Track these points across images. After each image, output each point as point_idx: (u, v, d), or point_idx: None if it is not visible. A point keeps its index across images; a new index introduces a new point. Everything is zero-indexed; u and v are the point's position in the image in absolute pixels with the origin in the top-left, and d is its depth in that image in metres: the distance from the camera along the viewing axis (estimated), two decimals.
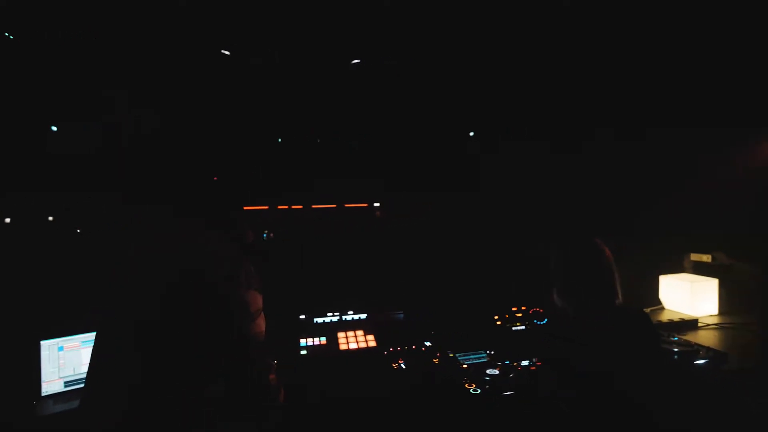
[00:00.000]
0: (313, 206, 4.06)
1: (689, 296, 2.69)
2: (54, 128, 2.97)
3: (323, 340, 1.87)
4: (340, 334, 1.90)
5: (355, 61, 3.47)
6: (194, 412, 1.18)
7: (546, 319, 2.39)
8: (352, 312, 2.05)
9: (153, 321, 1.20)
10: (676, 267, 3.02)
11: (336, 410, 1.68)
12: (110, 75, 2.51)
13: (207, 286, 1.22)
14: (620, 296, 1.58)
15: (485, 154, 3.58)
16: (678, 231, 2.58)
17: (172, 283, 1.23)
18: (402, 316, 2.48)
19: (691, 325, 2.49)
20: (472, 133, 4.10)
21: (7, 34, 2.03)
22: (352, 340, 1.88)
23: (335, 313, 2.03)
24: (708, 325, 2.50)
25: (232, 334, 1.23)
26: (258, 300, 1.31)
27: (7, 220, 2.92)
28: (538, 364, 1.86)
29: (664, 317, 2.61)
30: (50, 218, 3.19)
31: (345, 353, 1.81)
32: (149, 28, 2.21)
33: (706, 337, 2.32)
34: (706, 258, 2.76)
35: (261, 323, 1.30)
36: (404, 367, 1.92)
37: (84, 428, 1.22)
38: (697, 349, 2.06)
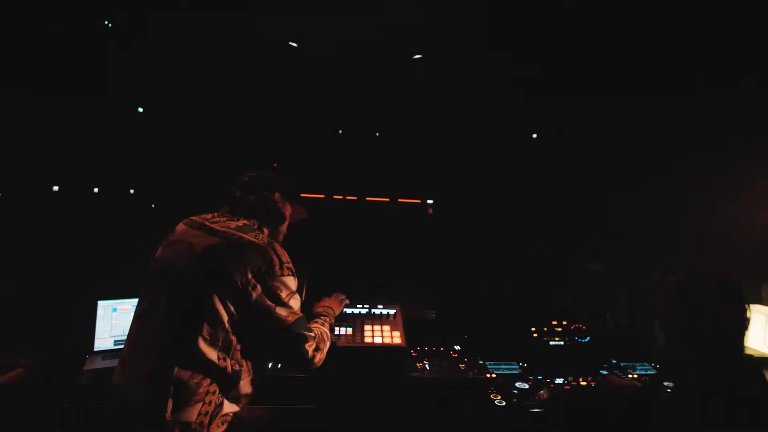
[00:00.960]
0: (367, 198, 4.11)
1: (764, 331, 2.37)
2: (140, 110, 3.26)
3: (349, 330, 1.88)
4: (367, 327, 1.90)
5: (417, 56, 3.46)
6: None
7: (588, 338, 2.22)
8: (381, 306, 2.03)
9: (186, 300, 1.26)
10: (752, 297, 2.68)
11: (342, 403, 1.68)
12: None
13: (239, 271, 1.26)
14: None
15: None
16: (756, 255, 2.28)
17: (201, 268, 1.28)
18: (434, 315, 2.44)
19: (765, 363, 2.20)
20: (535, 135, 3.93)
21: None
22: (377, 334, 1.86)
23: (365, 305, 2.03)
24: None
25: (263, 317, 1.28)
26: (291, 283, 1.35)
27: (96, 190, 3.26)
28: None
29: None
30: (131, 191, 3.52)
31: (369, 346, 1.80)
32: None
33: None
34: None
35: (294, 304, 1.34)
36: (428, 368, 1.88)
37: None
38: None
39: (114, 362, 1.83)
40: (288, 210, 1.57)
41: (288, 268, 1.35)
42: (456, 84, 3.38)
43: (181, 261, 1.31)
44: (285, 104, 3.41)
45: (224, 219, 1.42)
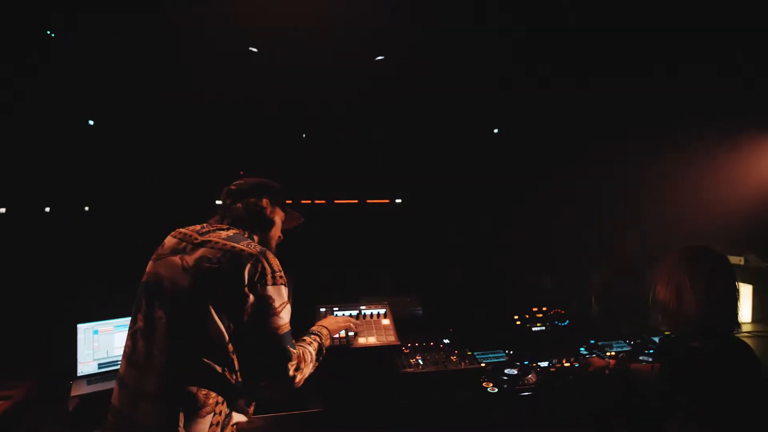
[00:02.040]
0: (336, 201, 4.12)
1: None
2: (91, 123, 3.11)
3: (342, 333, 1.90)
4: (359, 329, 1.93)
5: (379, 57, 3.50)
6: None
7: (567, 321, 2.35)
8: (371, 306, 2.07)
9: (176, 312, 1.25)
10: None
11: (347, 405, 1.72)
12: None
13: (232, 282, 1.25)
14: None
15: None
16: (709, 230, 2.49)
17: (195, 280, 1.27)
18: (420, 312, 2.50)
19: None
20: (496, 130, 4.07)
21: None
22: (371, 335, 1.90)
23: (355, 306, 2.07)
24: (740, 332, 2.40)
25: (255, 328, 1.27)
26: (283, 293, 1.34)
27: (47, 209, 3.07)
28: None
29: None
30: (86, 208, 3.35)
31: (362, 347, 1.84)
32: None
33: None
34: (738, 260, 2.65)
35: (285, 316, 1.33)
36: (421, 363, 1.94)
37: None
38: None
39: (102, 386, 1.79)
40: (278, 215, 1.56)
41: (280, 277, 1.34)
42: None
43: (174, 275, 1.29)
44: (253, 109, 3.36)
45: (213, 229, 1.42)
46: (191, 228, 1.43)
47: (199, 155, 3.23)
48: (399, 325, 2.02)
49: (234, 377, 1.25)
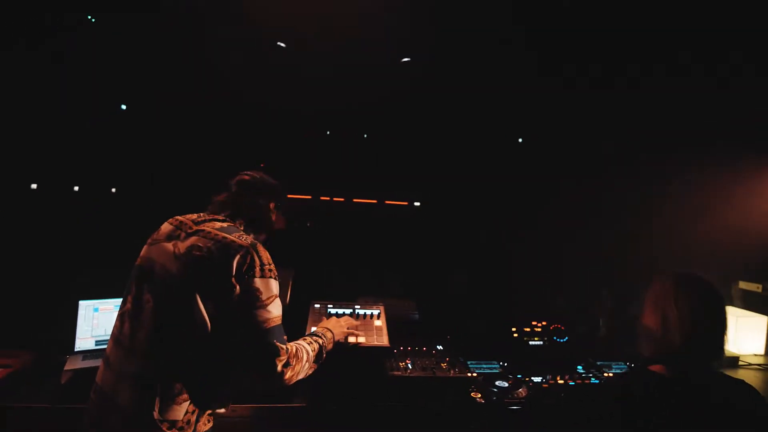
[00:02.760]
0: (354, 200, 4.13)
1: (733, 331, 2.48)
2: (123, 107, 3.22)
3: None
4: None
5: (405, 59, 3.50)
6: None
7: (566, 338, 2.29)
8: (365, 306, 2.06)
9: (165, 300, 1.27)
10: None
11: (331, 402, 1.71)
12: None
13: (220, 272, 1.26)
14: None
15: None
16: (725, 255, 2.39)
17: (184, 268, 1.28)
18: (417, 316, 2.48)
19: (731, 362, 2.30)
20: (521, 140, 4.02)
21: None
22: (361, 335, 1.89)
23: (349, 305, 2.06)
24: (750, 364, 2.29)
25: (241, 320, 1.26)
26: (272, 287, 1.32)
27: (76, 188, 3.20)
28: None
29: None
30: (113, 190, 3.48)
31: (352, 347, 1.83)
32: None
33: (745, 378, 2.11)
34: (756, 287, 2.53)
35: (273, 309, 1.31)
36: (410, 367, 1.92)
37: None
38: None
39: (95, 362, 1.83)
40: (277, 222, 1.58)
41: (270, 270, 1.33)
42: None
43: (165, 260, 1.32)
44: (276, 105, 3.41)
45: (209, 218, 1.43)
46: (188, 216, 1.45)
47: (217, 149, 3.30)
48: (396, 327, 2.01)
49: (209, 378, 1.26)
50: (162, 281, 1.29)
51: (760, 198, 2.58)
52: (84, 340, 1.95)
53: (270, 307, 1.31)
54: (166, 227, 1.43)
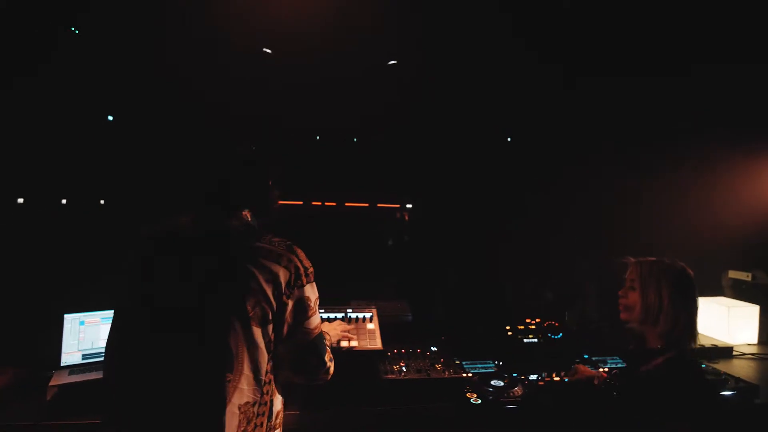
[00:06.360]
0: (347, 204, 4.11)
1: (726, 322, 2.49)
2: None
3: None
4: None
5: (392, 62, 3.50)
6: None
7: (561, 334, 2.28)
8: (358, 309, 2.04)
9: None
10: (714, 287, 2.81)
11: (325, 408, 1.68)
12: None
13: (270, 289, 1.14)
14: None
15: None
16: (714, 244, 2.40)
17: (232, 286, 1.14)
18: (410, 318, 2.46)
19: (725, 353, 2.30)
20: (509, 138, 4.02)
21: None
22: (354, 339, 1.87)
23: (341, 309, 2.04)
24: (744, 354, 2.30)
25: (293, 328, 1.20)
26: (316, 290, 1.26)
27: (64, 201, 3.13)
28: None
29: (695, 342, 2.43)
30: (101, 202, 3.42)
31: (345, 350, 1.81)
32: None
33: (739, 367, 2.13)
34: (745, 276, 2.54)
35: (319, 314, 1.27)
36: (404, 369, 1.89)
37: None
38: (725, 379, 1.90)
39: (83, 377, 1.79)
40: (276, 202, 1.39)
41: (311, 273, 1.24)
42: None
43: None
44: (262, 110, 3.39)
45: (219, 219, 1.23)
46: (195, 223, 1.23)
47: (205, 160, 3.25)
48: (389, 329, 1.99)
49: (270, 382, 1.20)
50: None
51: (748, 187, 2.59)
52: (70, 355, 1.90)
53: (318, 313, 1.26)
54: (176, 241, 1.22)
